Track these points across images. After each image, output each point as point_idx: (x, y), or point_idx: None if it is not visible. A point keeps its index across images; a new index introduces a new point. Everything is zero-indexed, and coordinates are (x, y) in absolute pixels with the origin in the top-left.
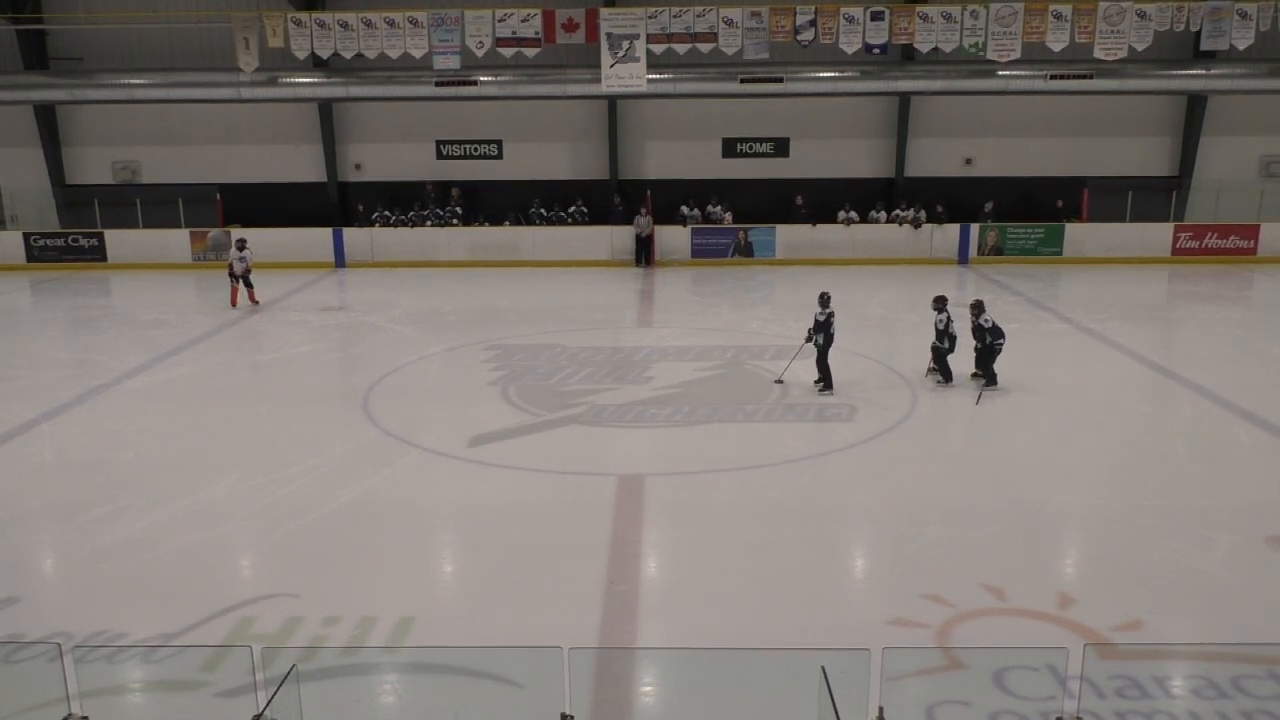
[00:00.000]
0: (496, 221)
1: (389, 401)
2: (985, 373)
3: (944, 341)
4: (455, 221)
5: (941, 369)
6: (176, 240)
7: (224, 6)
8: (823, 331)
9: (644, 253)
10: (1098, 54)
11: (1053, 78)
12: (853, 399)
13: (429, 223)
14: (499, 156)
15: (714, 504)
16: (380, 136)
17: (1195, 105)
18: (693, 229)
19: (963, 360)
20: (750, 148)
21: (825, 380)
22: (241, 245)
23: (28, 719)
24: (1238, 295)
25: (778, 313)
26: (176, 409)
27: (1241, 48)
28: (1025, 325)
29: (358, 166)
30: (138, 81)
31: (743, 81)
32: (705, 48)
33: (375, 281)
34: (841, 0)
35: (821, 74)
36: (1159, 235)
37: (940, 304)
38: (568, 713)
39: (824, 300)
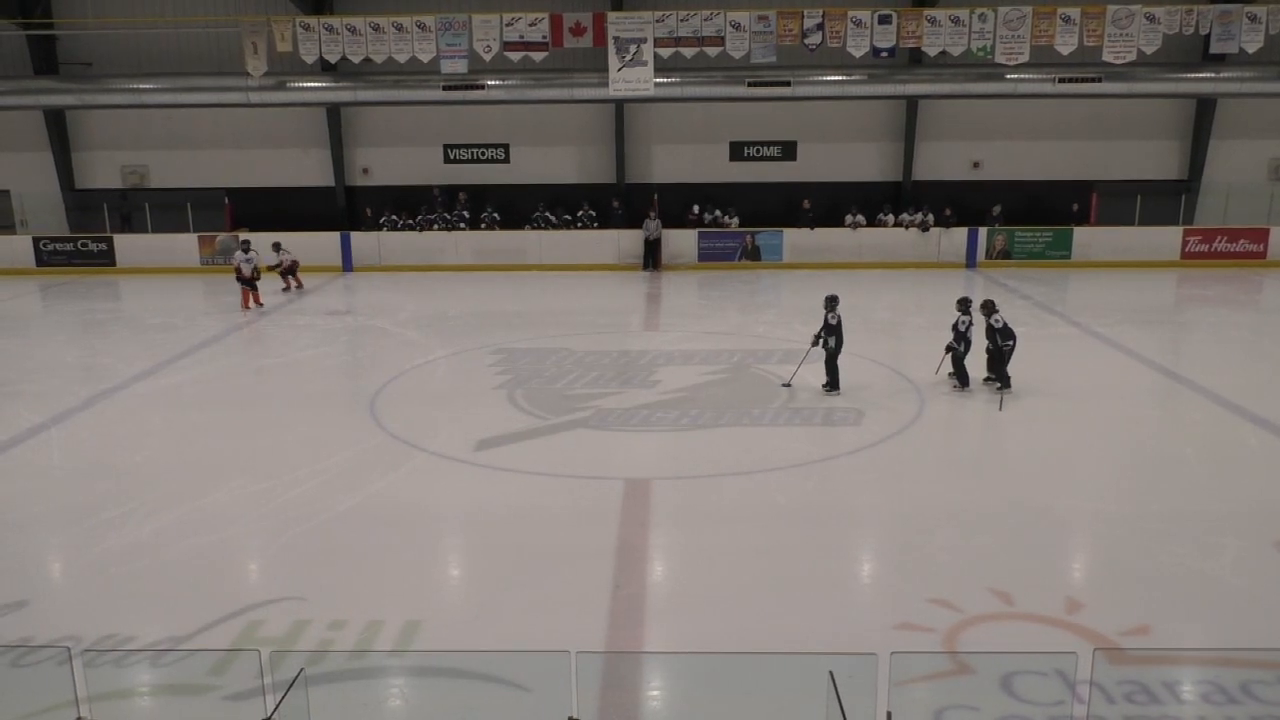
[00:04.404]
0: (503, 226)
1: (395, 405)
2: (998, 376)
3: (961, 344)
4: (462, 226)
5: (959, 373)
6: (185, 245)
7: (232, 11)
8: (834, 334)
9: (651, 257)
10: (1106, 57)
11: (1061, 81)
12: (860, 403)
13: (436, 227)
14: (506, 160)
15: (720, 508)
16: (388, 141)
17: (1204, 108)
18: (699, 232)
19: (974, 365)
20: (757, 151)
21: (833, 382)
22: (247, 247)
23: None
24: (1247, 299)
25: (784, 316)
26: (184, 413)
27: (1251, 51)
28: (1033, 329)
29: (365, 171)
30: (146, 86)
31: (750, 85)
32: (712, 51)
33: (382, 285)
34: (849, 4)
35: (829, 78)
36: (1168, 239)
37: (965, 305)
38: (575, 716)
39: (833, 304)
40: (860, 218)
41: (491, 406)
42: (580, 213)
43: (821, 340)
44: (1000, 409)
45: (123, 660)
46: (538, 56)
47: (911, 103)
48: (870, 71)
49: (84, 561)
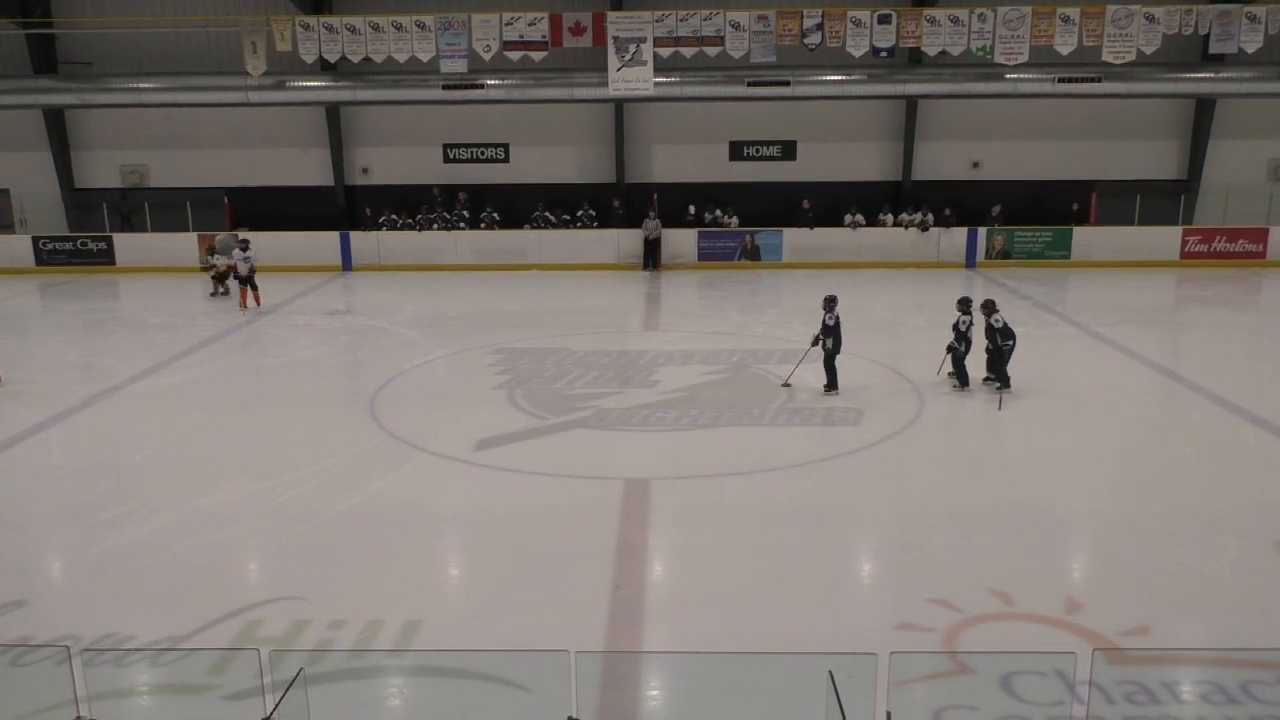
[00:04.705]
0: (503, 225)
1: (395, 405)
2: (998, 376)
3: (961, 344)
4: (462, 225)
5: (959, 373)
6: (184, 244)
7: (232, 11)
8: (832, 335)
9: (651, 256)
10: (1106, 57)
11: (1061, 81)
12: (860, 403)
13: (435, 226)
14: (506, 160)
15: (720, 508)
16: (387, 140)
17: (1204, 108)
18: (699, 232)
19: (973, 365)
20: (757, 151)
21: (832, 382)
22: (245, 246)
23: None
24: (1247, 299)
25: (784, 316)
26: (183, 412)
27: (1250, 51)
28: (1033, 329)
29: (365, 170)
30: (146, 85)
31: (750, 85)
32: (712, 51)
33: (382, 285)
34: (848, 4)
35: (828, 77)
36: (1167, 239)
37: (965, 305)
38: (574, 716)
39: (831, 304)
40: (860, 218)
41: (491, 406)
42: (580, 212)
43: (820, 341)
44: (1000, 409)
45: (122, 659)
46: (537, 56)
47: (911, 103)
48: (870, 71)
49: (84, 561)
